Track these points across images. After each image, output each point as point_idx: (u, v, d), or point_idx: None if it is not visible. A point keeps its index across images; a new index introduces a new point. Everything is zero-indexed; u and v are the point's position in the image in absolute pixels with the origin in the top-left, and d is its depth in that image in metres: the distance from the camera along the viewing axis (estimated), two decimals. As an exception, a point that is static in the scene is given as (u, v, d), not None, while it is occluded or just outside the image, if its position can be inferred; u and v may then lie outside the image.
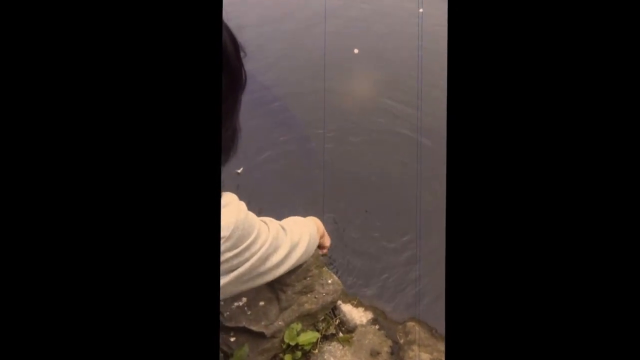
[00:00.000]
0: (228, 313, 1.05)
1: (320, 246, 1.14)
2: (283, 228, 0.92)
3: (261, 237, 0.80)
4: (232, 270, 0.75)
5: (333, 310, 1.19)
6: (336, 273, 1.29)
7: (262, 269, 0.83)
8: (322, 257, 1.28)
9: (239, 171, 1.53)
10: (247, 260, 0.77)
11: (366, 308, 1.22)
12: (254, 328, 1.04)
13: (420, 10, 2.27)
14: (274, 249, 0.85)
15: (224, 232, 0.70)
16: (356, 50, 2.01)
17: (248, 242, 0.76)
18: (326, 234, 1.18)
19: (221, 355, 1.06)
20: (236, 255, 0.74)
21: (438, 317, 1.20)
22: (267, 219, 0.89)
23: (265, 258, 0.82)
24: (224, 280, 0.74)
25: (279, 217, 0.99)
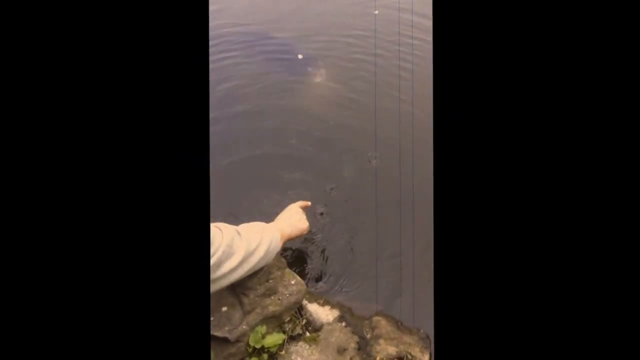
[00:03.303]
0: (191, 320, 1.05)
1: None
2: (239, 233, 0.92)
3: (213, 245, 0.80)
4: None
5: (299, 310, 1.20)
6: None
7: (215, 276, 0.83)
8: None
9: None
10: None
11: (333, 306, 1.23)
12: (217, 333, 1.04)
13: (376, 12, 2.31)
14: (227, 256, 0.85)
15: None
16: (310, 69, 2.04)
17: None
18: (303, 219, 1.18)
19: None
20: None
21: (403, 310, 1.22)
22: (222, 225, 0.89)
23: (217, 265, 0.82)
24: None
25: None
